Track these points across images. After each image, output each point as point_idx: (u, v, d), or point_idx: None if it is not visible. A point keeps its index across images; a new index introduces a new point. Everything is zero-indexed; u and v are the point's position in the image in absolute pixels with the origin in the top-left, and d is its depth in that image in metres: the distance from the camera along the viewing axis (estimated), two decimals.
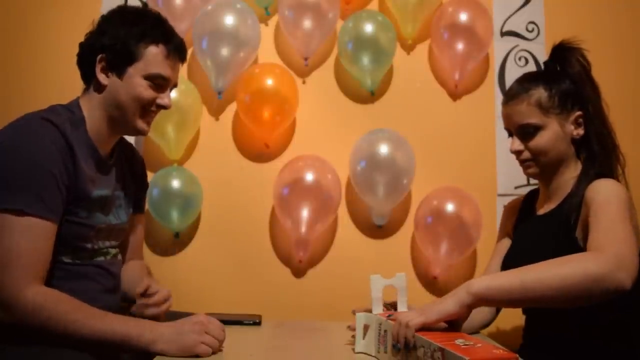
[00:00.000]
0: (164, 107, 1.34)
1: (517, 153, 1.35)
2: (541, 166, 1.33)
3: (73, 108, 1.30)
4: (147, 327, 1.14)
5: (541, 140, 1.30)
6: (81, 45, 1.33)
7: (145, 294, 1.26)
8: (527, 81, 1.34)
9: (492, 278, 1.10)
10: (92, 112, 1.31)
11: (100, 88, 1.30)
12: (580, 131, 1.32)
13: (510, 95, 1.34)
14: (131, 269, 1.51)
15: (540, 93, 1.30)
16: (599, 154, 1.29)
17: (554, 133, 1.30)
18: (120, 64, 1.28)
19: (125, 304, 1.42)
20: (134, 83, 1.29)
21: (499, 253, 1.48)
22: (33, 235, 1.14)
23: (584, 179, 1.27)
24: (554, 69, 1.38)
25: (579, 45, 1.34)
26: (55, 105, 1.30)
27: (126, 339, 1.12)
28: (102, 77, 1.29)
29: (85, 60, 1.31)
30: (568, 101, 1.31)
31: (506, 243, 1.49)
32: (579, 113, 1.31)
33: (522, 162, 1.36)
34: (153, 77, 1.30)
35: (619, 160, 1.31)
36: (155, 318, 1.22)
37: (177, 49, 1.34)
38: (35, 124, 1.20)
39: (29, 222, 1.13)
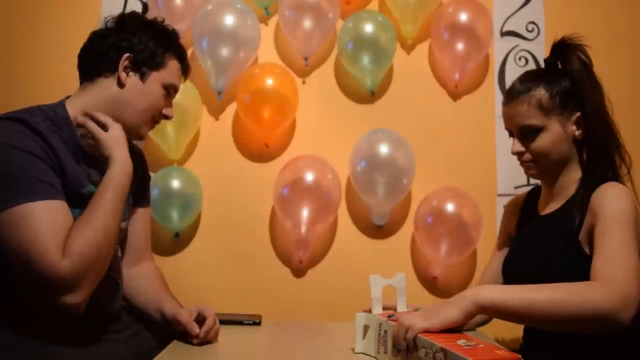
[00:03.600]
0: (167, 118, 1.39)
1: (519, 155, 1.33)
2: (543, 168, 1.32)
3: (57, 108, 1.25)
4: None
5: (542, 141, 1.28)
6: (98, 38, 1.30)
7: (198, 336, 1.26)
8: (528, 80, 1.32)
9: (500, 292, 1.09)
10: (89, 110, 1.25)
11: (116, 86, 1.28)
12: (582, 131, 1.29)
13: (511, 96, 1.32)
14: (149, 282, 1.45)
15: (541, 93, 1.28)
16: (601, 154, 1.27)
17: (556, 134, 1.28)
18: (146, 67, 1.30)
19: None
20: (154, 89, 1.31)
21: (500, 253, 1.47)
22: (51, 216, 1.09)
23: (588, 182, 1.25)
24: (555, 66, 1.35)
25: (580, 41, 1.31)
26: (32, 107, 1.24)
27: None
28: (123, 76, 1.27)
29: (103, 55, 1.28)
30: (569, 101, 1.28)
31: (507, 243, 1.47)
32: (580, 113, 1.29)
33: (524, 164, 1.34)
34: (169, 87, 1.34)
35: (623, 160, 1.29)
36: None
37: (188, 68, 1.41)
38: (5, 125, 1.15)
39: (45, 206, 1.09)
